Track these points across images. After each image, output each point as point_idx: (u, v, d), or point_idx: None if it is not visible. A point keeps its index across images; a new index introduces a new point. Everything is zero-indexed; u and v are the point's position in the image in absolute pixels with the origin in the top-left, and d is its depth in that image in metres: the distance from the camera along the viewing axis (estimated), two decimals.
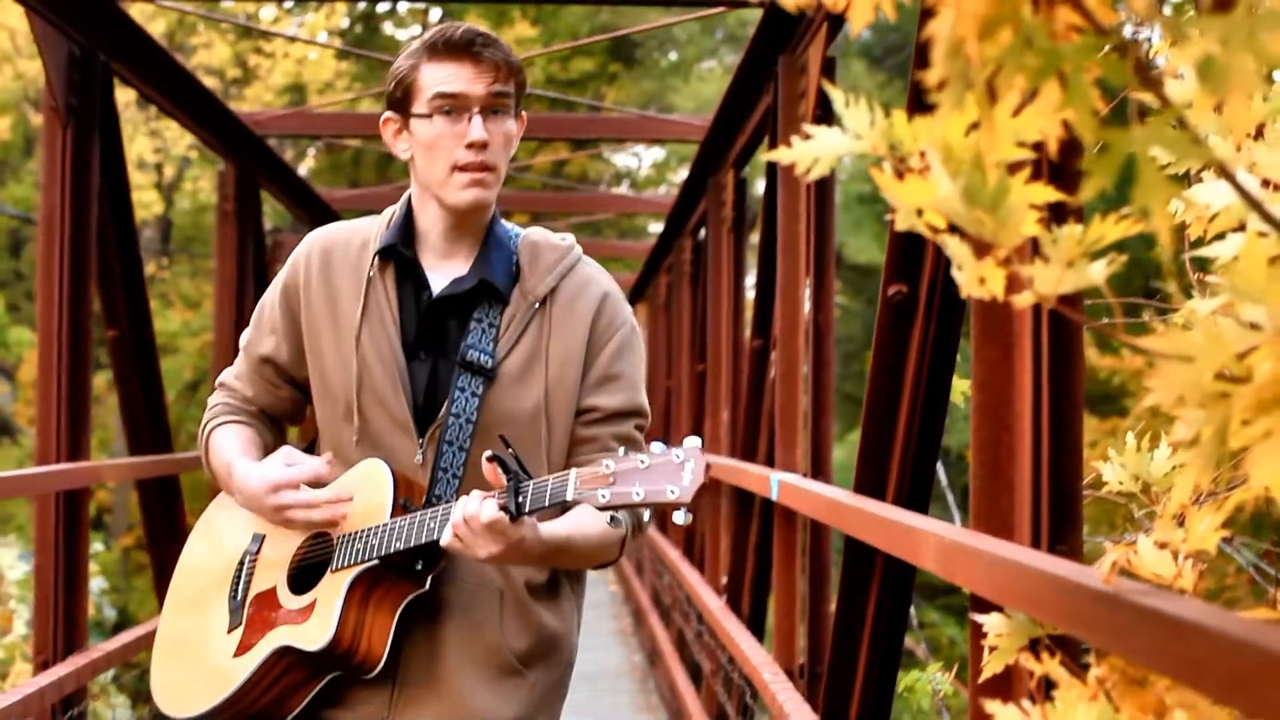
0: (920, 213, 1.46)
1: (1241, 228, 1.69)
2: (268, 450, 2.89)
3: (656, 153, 27.97)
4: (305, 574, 2.77)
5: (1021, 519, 2.39)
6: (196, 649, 2.88)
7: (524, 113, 2.84)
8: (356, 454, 2.77)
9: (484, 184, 2.72)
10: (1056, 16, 1.22)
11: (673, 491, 2.33)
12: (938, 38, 1.22)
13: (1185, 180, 1.93)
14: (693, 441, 2.37)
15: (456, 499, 2.63)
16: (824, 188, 4.94)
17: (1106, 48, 1.21)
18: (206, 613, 2.90)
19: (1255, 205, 1.25)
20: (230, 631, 2.84)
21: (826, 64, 4.83)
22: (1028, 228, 1.40)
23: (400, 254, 2.79)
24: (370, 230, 2.87)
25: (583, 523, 2.65)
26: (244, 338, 2.98)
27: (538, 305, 2.78)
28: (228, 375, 3.00)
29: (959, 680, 4.17)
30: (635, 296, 16.44)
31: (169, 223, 24.65)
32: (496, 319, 2.76)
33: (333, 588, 2.67)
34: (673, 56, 27.67)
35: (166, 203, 23.93)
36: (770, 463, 5.69)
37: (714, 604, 6.77)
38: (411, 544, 2.59)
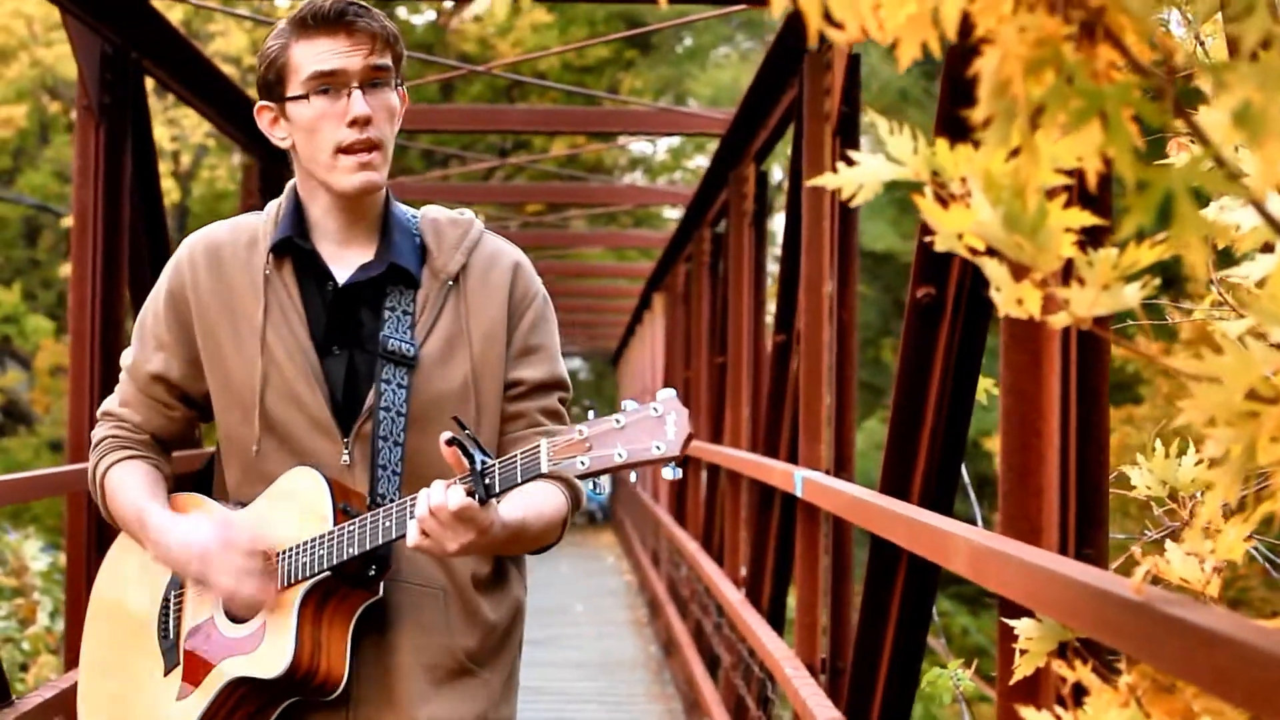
0: (960, 235, 1.52)
1: (1269, 248, 1.75)
2: (169, 483, 2.73)
3: (672, 138, 28.01)
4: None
5: (1049, 522, 2.45)
6: (132, 703, 2.69)
7: (403, 89, 2.67)
8: (272, 464, 2.60)
9: (372, 165, 2.56)
10: (1097, 54, 1.27)
11: (659, 447, 2.17)
12: (984, 76, 1.28)
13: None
14: (667, 393, 2.22)
15: (401, 496, 2.52)
16: None
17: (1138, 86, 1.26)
18: (134, 661, 2.70)
19: None
20: (167, 674, 2.65)
21: (851, 61, 4.88)
22: (1065, 251, 1.46)
23: (297, 246, 2.62)
24: (256, 226, 2.69)
25: (534, 502, 2.54)
26: (125, 358, 2.78)
27: (451, 283, 2.65)
28: (110, 404, 2.78)
29: (979, 676, 4.23)
30: (653, 286, 16.48)
31: (185, 210, 24.71)
32: (410, 304, 2.62)
33: (281, 608, 2.51)
34: (688, 43, 27.66)
35: (183, 191, 24.00)
36: (792, 458, 5.74)
37: (734, 597, 6.83)
38: (367, 547, 2.44)
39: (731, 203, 8.26)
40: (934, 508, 3.36)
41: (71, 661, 5.13)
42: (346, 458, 2.56)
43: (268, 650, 2.50)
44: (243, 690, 2.53)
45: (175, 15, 21.06)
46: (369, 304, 2.62)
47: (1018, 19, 1.26)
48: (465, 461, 2.30)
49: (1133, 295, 1.49)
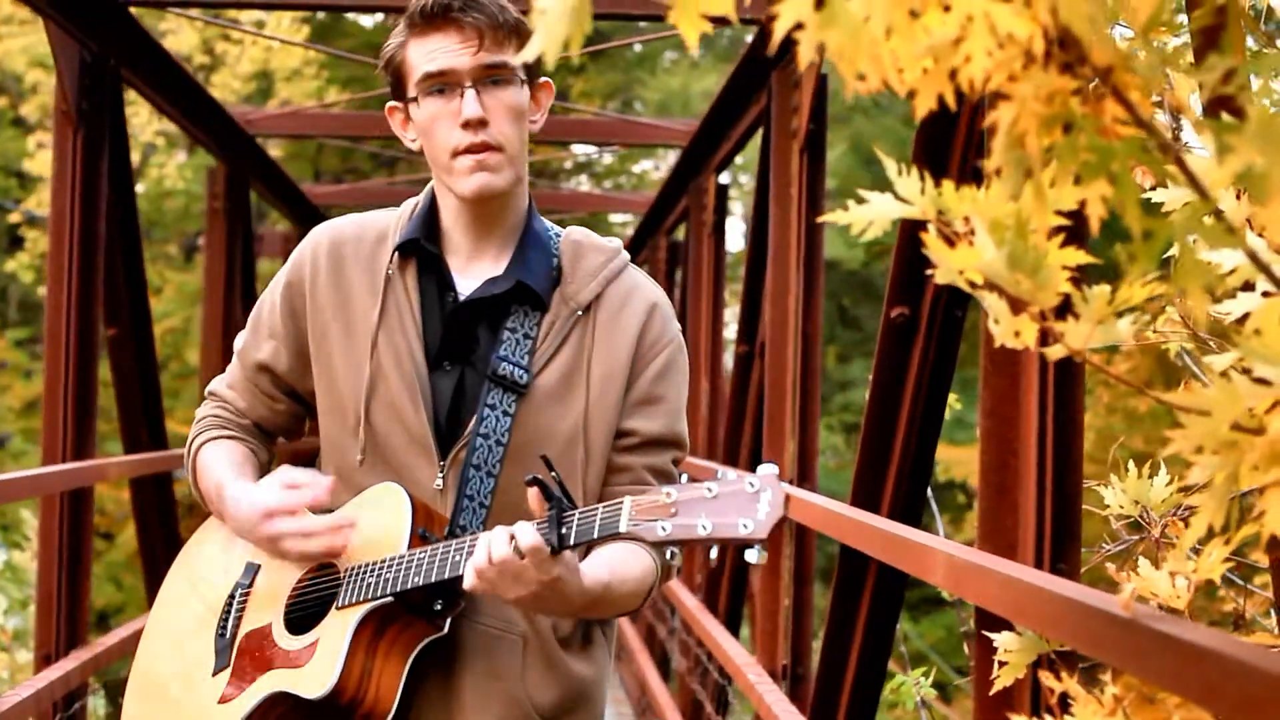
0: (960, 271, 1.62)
1: (1249, 286, 1.85)
2: (264, 470, 2.61)
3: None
4: (305, 611, 2.45)
5: (1026, 538, 2.55)
6: (176, 693, 2.55)
7: (547, 79, 2.53)
8: (367, 476, 2.46)
9: (489, 166, 2.40)
10: (1104, 110, 1.37)
11: (745, 526, 1.98)
12: (999, 129, 1.37)
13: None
14: (768, 469, 2.04)
15: (484, 530, 2.31)
16: (815, 198, 5.10)
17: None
18: (189, 651, 2.57)
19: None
20: (216, 674, 2.51)
21: (821, 79, 4.98)
22: (1062, 287, 1.56)
23: (424, 249, 2.49)
24: (387, 223, 2.56)
25: (619, 564, 2.35)
26: (238, 342, 2.66)
27: (580, 313, 2.47)
28: (218, 384, 2.69)
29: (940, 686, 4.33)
30: None
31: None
32: (533, 328, 2.45)
33: (337, 627, 2.36)
34: (638, 49, 27.77)
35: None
36: (753, 465, 5.84)
37: (690, 602, 6.92)
38: (432, 579, 2.27)
39: (692, 212, 8.36)
40: (903, 519, 3.47)
41: (43, 660, 5.18)
42: (440, 481, 2.41)
43: (315, 668, 2.35)
44: (282, 708, 2.39)
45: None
46: (489, 322, 2.47)
47: (1032, 76, 1.35)
48: (545, 505, 2.14)
49: (1125, 329, 1.60)
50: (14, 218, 23.57)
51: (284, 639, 2.43)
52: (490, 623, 2.41)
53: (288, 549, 2.39)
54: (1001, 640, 2.12)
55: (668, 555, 2.14)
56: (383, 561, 2.33)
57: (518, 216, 2.52)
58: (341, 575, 2.39)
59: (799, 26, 1.25)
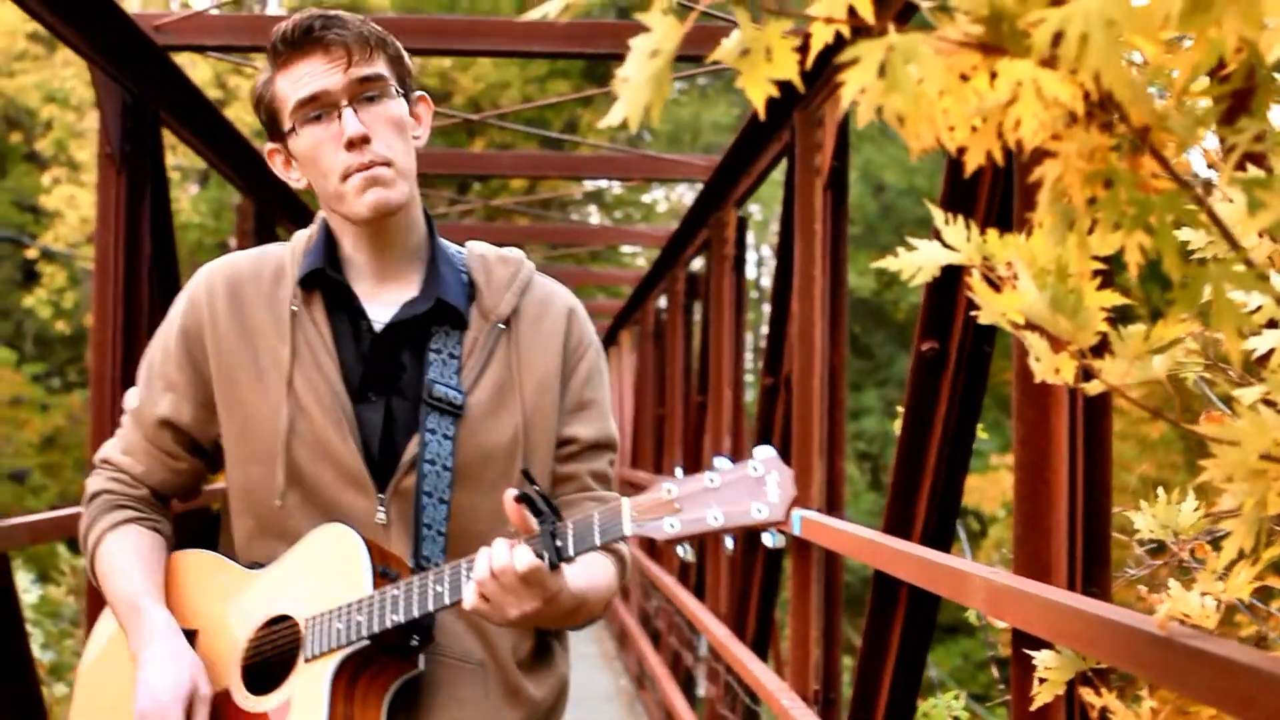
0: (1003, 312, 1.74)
1: (1274, 324, 1.96)
2: (169, 546, 2.48)
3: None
4: (265, 669, 2.32)
5: (1059, 562, 2.66)
6: None
7: (424, 93, 2.45)
8: (294, 519, 2.34)
9: (382, 181, 2.29)
10: (1142, 165, 1.48)
11: (760, 510, 1.92)
12: (1045, 184, 1.49)
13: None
14: (765, 450, 1.98)
15: (446, 558, 2.29)
16: (838, 234, 5.22)
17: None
18: None
19: None
20: None
21: (843, 119, 5.10)
22: (1100, 327, 1.68)
23: (329, 279, 2.38)
24: (282, 257, 2.45)
25: (592, 569, 2.30)
26: (129, 400, 2.52)
27: (502, 326, 2.40)
28: (111, 450, 2.51)
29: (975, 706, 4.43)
30: (621, 323, 16.69)
31: None
32: (456, 346, 2.37)
33: (311, 680, 2.23)
34: None
35: None
36: None
37: (719, 631, 7.01)
38: (415, 614, 2.17)
39: (713, 246, 8.47)
40: (933, 545, 3.58)
41: None
42: (383, 515, 2.32)
43: None
44: None
45: None
46: (411, 345, 2.38)
47: (1075, 135, 1.46)
48: (532, 521, 2.07)
49: (1160, 366, 1.71)
50: (30, 253, 23.72)
51: (249, 701, 2.31)
52: (450, 654, 2.34)
53: None
54: (1041, 659, 2.23)
55: (680, 551, 2.01)
56: (349, 605, 2.22)
57: (419, 235, 2.44)
58: (302, 626, 2.27)
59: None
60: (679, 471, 2.14)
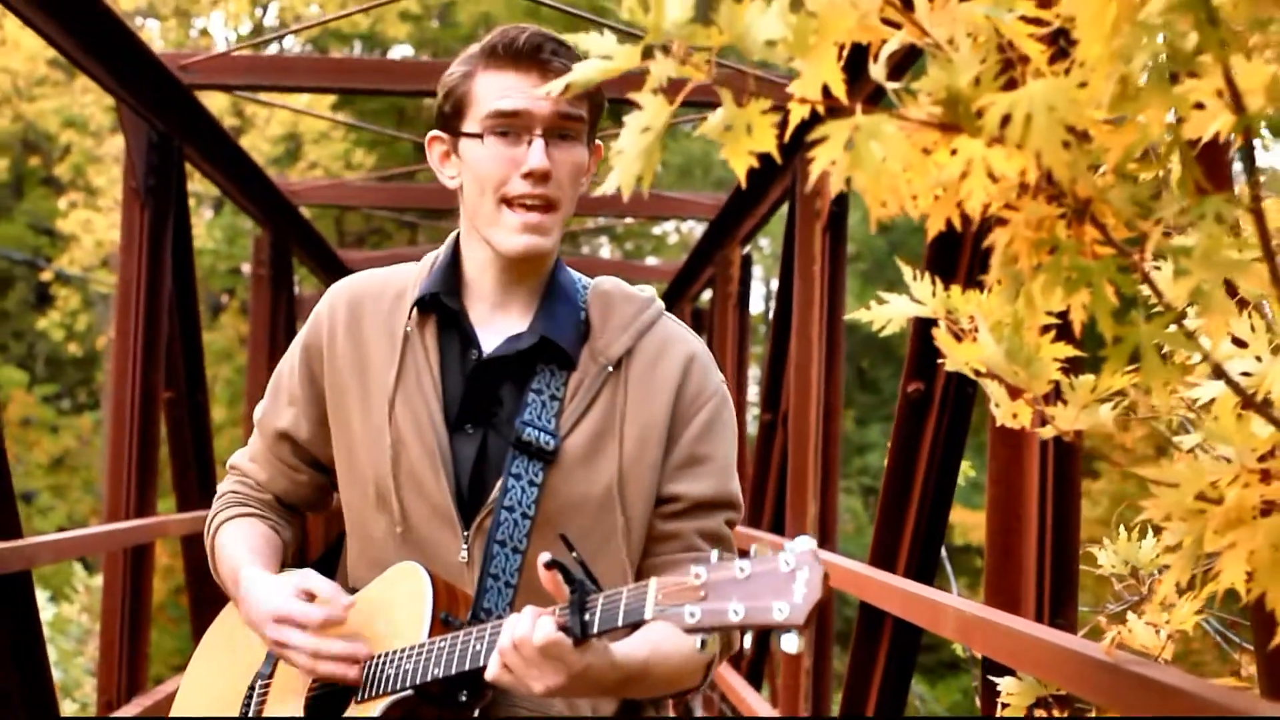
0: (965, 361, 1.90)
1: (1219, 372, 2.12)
2: (287, 549, 2.46)
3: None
4: (327, 702, 2.27)
5: (1028, 594, 2.82)
6: None
7: (600, 143, 2.33)
8: (394, 551, 2.27)
9: (542, 229, 2.21)
10: (1084, 233, 1.65)
11: (780, 611, 1.73)
12: (996, 248, 1.65)
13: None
14: (804, 543, 1.80)
15: (509, 613, 2.11)
16: (836, 275, 5.40)
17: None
18: None
19: (1234, 385, 1.68)
20: None
21: None
22: (1053, 376, 1.85)
23: (443, 304, 2.29)
24: (408, 278, 2.37)
25: (660, 641, 2.10)
26: (258, 411, 2.48)
27: (610, 369, 2.26)
28: (239, 457, 2.52)
29: None
30: None
31: None
32: (560, 388, 2.25)
33: None
34: None
35: None
36: (775, 528, 6.12)
37: None
38: (452, 671, 2.06)
39: (718, 282, 8.65)
40: (918, 578, 3.74)
41: (105, 707, 5.41)
42: (465, 554, 2.22)
43: None
44: None
45: None
46: (513, 380, 2.27)
47: (1024, 205, 1.63)
48: (565, 589, 1.94)
49: (1106, 415, 1.88)
50: (45, 275, 23.90)
51: None
52: (527, 706, 2.21)
53: (292, 661, 2.21)
54: (1005, 685, 2.38)
55: (697, 643, 1.83)
56: (403, 651, 2.14)
57: (547, 268, 2.33)
58: (362, 665, 2.19)
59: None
60: (713, 556, 2.05)
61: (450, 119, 2.29)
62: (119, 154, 21.35)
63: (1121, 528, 2.65)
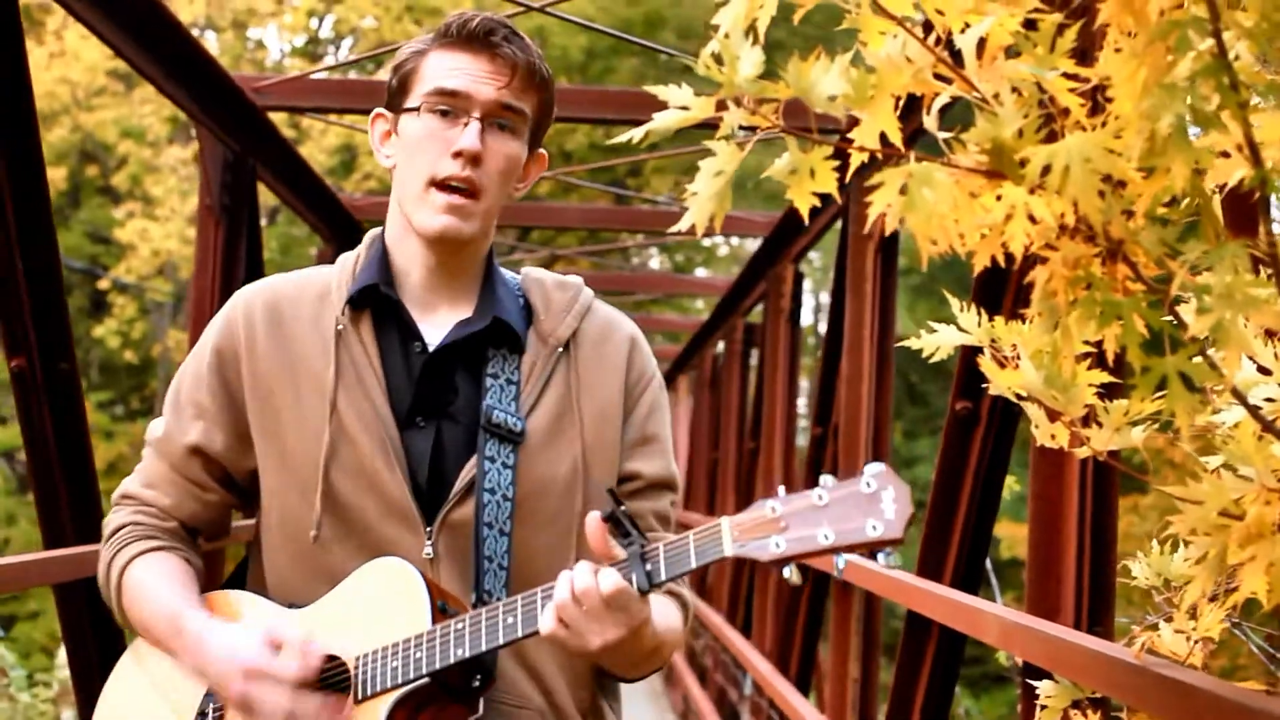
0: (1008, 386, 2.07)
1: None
2: (201, 581, 2.30)
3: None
4: None
5: (1067, 604, 2.97)
6: None
7: (543, 151, 2.34)
8: (335, 555, 2.19)
9: (463, 212, 2.19)
10: (1117, 271, 1.80)
11: (875, 528, 1.77)
12: (1037, 285, 1.81)
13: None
14: (877, 466, 1.84)
15: (508, 595, 2.13)
16: (887, 293, 5.56)
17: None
18: None
19: (1253, 411, 1.83)
20: None
21: None
22: (1088, 400, 2.00)
23: (380, 298, 2.25)
24: (327, 278, 2.30)
25: (663, 613, 2.15)
26: (153, 430, 2.34)
27: (561, 351, 2.27)
28: (131, 485, 2.33)
29: None
30: (679, 368, 17.03)
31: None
32: (514, 371, 2.23)
33: None
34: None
35: None
36: None
37: (764, 667, 7.31)
38: (482, 647, 2.00)
39: (770, 298, 8.82)
40: (963, 587, 3.90)
41: None
42: (430, 550, 2.17)
43: None
44: None
45: None
46: (465, 368, 2.24)
47: (1063, 245, 1.78)
48: (615, 546, 1.94)
49: (1138, 436, 2.03)
50: (102, 284, 24.19)
51: None
52: (508, 699, 2.20)
53: (261, 715, 2.09)
54: (1043, 688, 2.53)
55: (785, 573, 1.81)
56: (406, 642, 2.07)
57: (479, 261, 2.31)
58: (351, 666, 2.12)
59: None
60: (781, 490, 2.13)
61: (395, 96, 2.27)
62: (175, 164, 21.81)
63: (1154, 541, 2.81)
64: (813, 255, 23.94)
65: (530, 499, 2.19)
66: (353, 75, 19.87)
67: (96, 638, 4.35)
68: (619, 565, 1.93)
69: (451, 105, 2.19)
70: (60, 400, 4.11)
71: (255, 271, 6.10)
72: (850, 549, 1.80)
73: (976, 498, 3.88)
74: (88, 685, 4.32)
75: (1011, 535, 17.19)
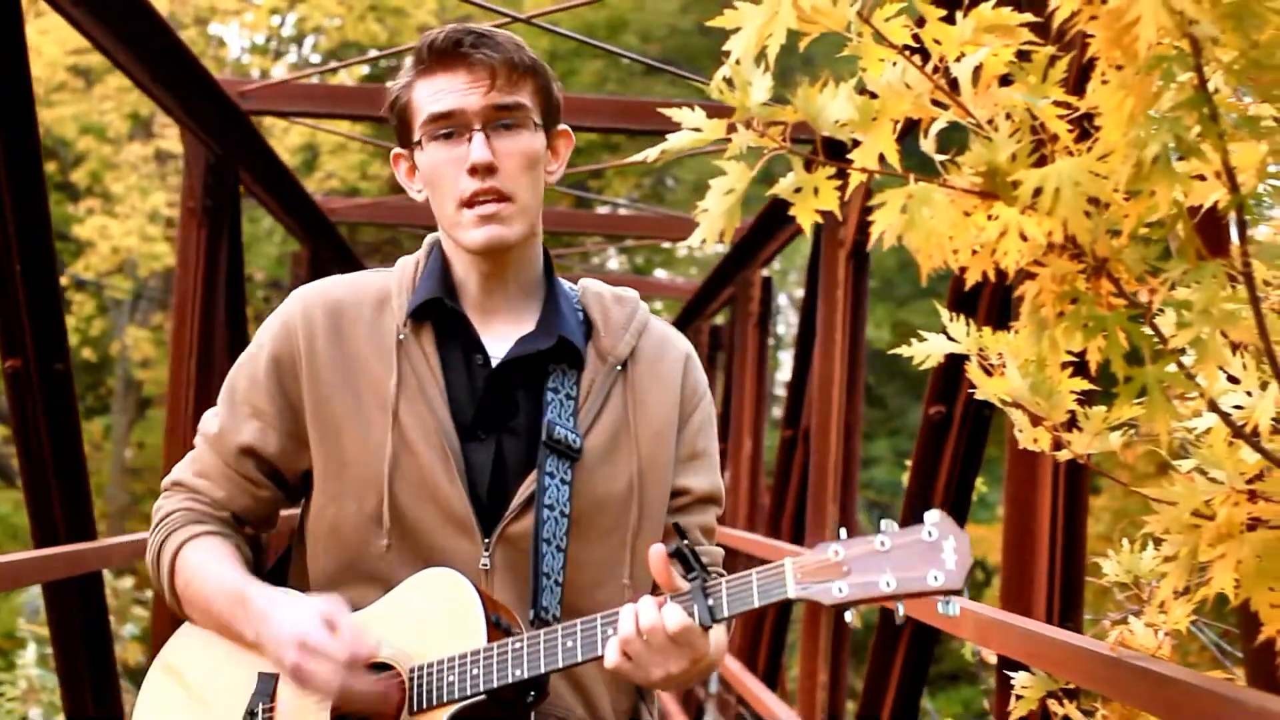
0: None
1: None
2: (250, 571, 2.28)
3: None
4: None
5: (1039, 601, 3.10)
6: None
7: (567, 128, 2.33)
8: (390, 563, 2.19)
9: (498, 218, 2.19)
10: (1101, 286, 1.91)
11: (936, 578, 1.81)
12: (1025, 299, 1.92)
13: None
14: (936, 514, 1.89)
15: (562, 611, 2.17)
16: (859, 301, 5.68)
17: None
18: None
19: (1225, 418, 1.96)
20: None
21: (866, 195, 5.54)
22: (1070, 406, 2.12)
23: (442, 309, 2.25)
24: (386, 284, 2.30)
25: (716, 632, 2.09)
26: (209, 424, 2.32)
27: (619, 368, 2.28)
28: (183, 474, 2.33)
29: None
30: None
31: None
32: (574, 387, 2.24)
33: None
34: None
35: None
36: (794, 538, 6.42)
37: (733, 664, 7.41)
38: (541, 670, 2.01)
39: (738, 303, 8.93)
40: None
41: None
42: (486, 562, 2.18)
43: None
44: None
45: None
46: (526, 383, 2.25)
47: (1050, 261, 1.90)
48: (679, 580, 1.96)
49: (1115, 441, 2.15)
50: (61, 281, 24.03)
51: None
52: (553, 712, 2.20)
53: (314, 691, 2.09)
54: (1019, 679, 2.65)
55: (846, 617, 1.89)
56: (462, 657, 2.07)
57: (535, 270, 2.31)
58: (405, 677, 2.12)
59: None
60: (843, 533, 2.20)
61: (402, 133, 2.29)
62: (136, 161, 21.73)
63: (1125, 540, 2.93)
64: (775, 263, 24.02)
65: (587, 515, 2.21)
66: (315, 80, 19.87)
67: (86, 637, 4.43)
68: (680, 598, 1.95)
69: (450, 126, 2.20)
70: (55, 401, 4.17)
71: (237, 272, 6.19)
72: (909, 598, 1.85)
73: (950, 499, 4.01)
74: (76, 685, 4.41)
75: (980, 538, 17.32)
